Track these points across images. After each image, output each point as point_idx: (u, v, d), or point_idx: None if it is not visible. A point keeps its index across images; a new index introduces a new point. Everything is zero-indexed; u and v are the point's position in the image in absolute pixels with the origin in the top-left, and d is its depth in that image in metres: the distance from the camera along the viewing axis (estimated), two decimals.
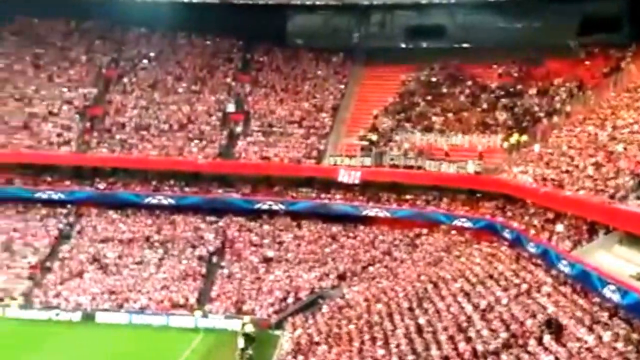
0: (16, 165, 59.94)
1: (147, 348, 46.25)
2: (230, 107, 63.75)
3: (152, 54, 69.01)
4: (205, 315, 50.70)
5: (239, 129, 61.95)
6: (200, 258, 55.75)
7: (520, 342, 30.66)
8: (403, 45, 67.53)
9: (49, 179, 59.93)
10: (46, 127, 61.78)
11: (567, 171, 39.78)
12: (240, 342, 43.90)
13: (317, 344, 40.08)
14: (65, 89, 65.33)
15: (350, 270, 53.24)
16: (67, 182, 59.89)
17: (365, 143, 57.50)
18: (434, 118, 58.53)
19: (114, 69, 67.92)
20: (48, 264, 55.45)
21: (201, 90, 65.33)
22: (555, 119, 52.67)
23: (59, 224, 58.75)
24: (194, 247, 56.65)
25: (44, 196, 59.16)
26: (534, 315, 32.32)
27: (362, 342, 37.86)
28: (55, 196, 59.08)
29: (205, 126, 61.85)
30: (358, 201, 56.67)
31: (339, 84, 65.27)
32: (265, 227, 58.08)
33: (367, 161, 56.11)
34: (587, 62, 57.45)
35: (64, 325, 49.81)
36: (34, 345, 45.73)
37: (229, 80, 66.62)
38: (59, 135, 60.98)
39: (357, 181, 55.49)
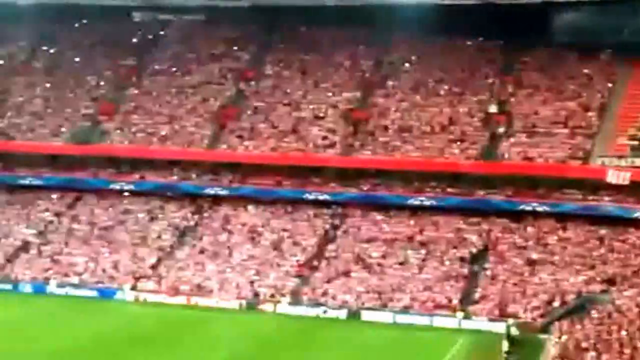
0: (285, 168, 62.35)
1: (411, 347, 46.82)
2: (493, 108, 63.03)
3: (414, 57, 69.36)
4: (468, 317, 50.54)
5: (501, 129, 61.13)
6: (462, 259, 55.63)
7: None
8: None
9: (315, 180, 61.94)
10: (313, 130, 63.84)
11: None
12: (505, 346, 43.50)
13: (586, 350, 38.81)
14: (330, 94, 67.10)
15: (620, 275, 51.26)
16: (333, 184, 61.60)
17: (636, 142, 55.29)
18: None
19: (377, 73, 69.03)
20: (315, 262, 57.29)
21: (463, 92, 65.02)
22: None
23: (325, 224, 60.55)
24: (455, 248, 56.61)
25: (311, 197, 61.25)
26: None
27: (634, 349, 36.36)
28: (321, 197, 61.04)
29: (467, 127, 61.59)
30: (628, 203, 54.50)
31: (607, 81, 62.71)
32: (529, 229, 57.09)
33: (638, 161, 53.93)
34: None
35: (331, 323, 51.26)
36: (305, 341, 47.56)
37: (490, 81, 65.86)
38: (324, 138, 62.83)
39: (626, 182, 53.37)
